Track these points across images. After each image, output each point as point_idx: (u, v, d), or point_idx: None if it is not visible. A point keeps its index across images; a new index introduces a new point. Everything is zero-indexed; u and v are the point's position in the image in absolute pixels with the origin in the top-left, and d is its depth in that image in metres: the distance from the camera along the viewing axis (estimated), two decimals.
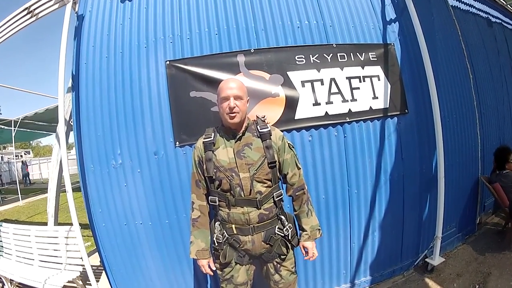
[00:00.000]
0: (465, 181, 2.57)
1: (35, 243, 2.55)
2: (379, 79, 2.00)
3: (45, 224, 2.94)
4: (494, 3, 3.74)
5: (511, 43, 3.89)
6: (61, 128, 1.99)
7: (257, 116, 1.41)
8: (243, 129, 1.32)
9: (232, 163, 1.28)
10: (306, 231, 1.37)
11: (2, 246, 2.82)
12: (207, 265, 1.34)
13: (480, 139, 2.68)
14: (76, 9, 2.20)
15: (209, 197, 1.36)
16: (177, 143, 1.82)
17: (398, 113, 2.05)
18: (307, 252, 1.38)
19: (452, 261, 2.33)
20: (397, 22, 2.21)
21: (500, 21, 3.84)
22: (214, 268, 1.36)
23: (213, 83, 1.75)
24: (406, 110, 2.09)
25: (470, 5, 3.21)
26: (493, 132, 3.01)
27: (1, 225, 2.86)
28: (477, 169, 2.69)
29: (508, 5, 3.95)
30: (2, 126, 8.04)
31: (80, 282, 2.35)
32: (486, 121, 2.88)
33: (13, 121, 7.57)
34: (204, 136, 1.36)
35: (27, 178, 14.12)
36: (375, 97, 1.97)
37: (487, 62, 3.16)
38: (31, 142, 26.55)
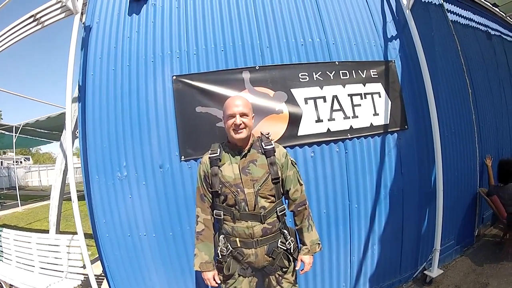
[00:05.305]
0: (463, 194, 2.61)
1: (36, 250, 2.56)
2: (380, 96, 2.04)
3: (45, 231, 2.95)
4: (494, 15, 3.80)
5: (510, 56, 3.94)
6: (68, 138, 2.02)
7: (261, 133, 1.44)
8: (248, 146, 1.36)
9: (237, 179, 1.31)
10: (306, 245, 1.40)
11: (1, 251, 2.83)
12: (212, 277, 1.36)
13: (479, 152, 2.72)
14: (84, 20, 2.23)
15: (214, 211, 1.38)
16: (183, 157, 1.85)
17: (398, 129, 2.09)
18: (303, 265, 1.40)
19: (450, 273, 2.36)
20: (398, 39, 2.26)
21: (499, 34, 3.89)
22: (219, 281, 1.38)
23: (219, 99, 1.79)
24: (406, 126, 2.13)
25: (470, 19, 3.27)
26: (491, 145, 3.05)
27: (1, 230, 2.87)
28: (475, 183, 2.73)
29: (508, 17, 4.01)
30: (3, 132, 8.04)
31: None
32: (485, 135, 2.92)
33: (14, 127, 7.58)
34: (210, 151, 1.39)
35: None
36: (376, 114, 2.01)
37: (486, 76, 3.21)
38: (31, 148, 26.48)
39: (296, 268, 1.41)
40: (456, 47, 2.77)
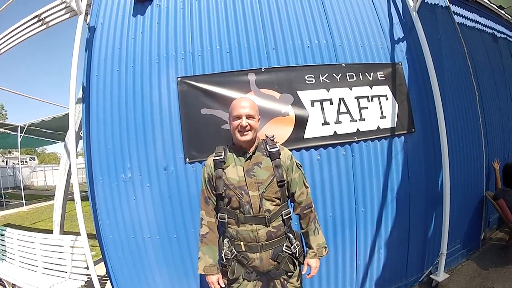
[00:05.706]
0: (470, 198, 2.58)
1: (40, 250, 2.56)
2: (387, 99, 2.02)
3: (49, 231, 2.95)
4: (499, 18, 3.76)
5: None
6: (71, 139, 2.02)
7: (266, 136, 1.43)
8: (253, 148, 1.34)
9: (241, 181, 1.30)
10: (312, 248, 1.38)
11: (5, 251, 2.83)
12: (216, 281, 1.35)
13: (485, 156, 2.69)
14: (88, 21, 2.22)
15: (218, 214, 1.37)
16: (187, 159, 1.84)
17: (405, 132, 2.07)
18: (310, 270, 1.38)
19: (456, 277, 2.34)
20: (404, 41, 2.23)
21: (505, 36, 3.86)
22: (223, 285, 1.36)
23: (224, 101, 1.78)
24: (413, 129, 2.11)
25: (476, 21, 3.24)
26: (498, 149, 3.02)
27: (5, 230, 2.87)
28: (482, 186, 2.70)
29: None
30: (8, 131, 8.06)
31: None
32: (491, 138, 2.89)
33: (19, 127, 7.59)
34: (214, 154, 1.38)
35: None
36: (383, 117, 1.99)
37: (493, 79, 3.17)
38: (36, 148, 26.67)
39: (303, 272, 1.40)
40: (463, 50, 2.74)
